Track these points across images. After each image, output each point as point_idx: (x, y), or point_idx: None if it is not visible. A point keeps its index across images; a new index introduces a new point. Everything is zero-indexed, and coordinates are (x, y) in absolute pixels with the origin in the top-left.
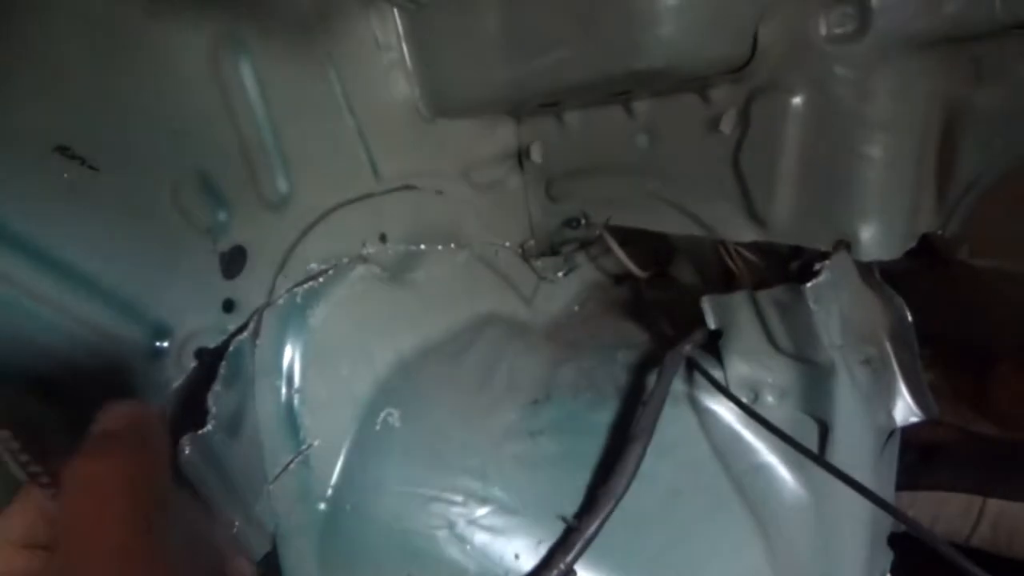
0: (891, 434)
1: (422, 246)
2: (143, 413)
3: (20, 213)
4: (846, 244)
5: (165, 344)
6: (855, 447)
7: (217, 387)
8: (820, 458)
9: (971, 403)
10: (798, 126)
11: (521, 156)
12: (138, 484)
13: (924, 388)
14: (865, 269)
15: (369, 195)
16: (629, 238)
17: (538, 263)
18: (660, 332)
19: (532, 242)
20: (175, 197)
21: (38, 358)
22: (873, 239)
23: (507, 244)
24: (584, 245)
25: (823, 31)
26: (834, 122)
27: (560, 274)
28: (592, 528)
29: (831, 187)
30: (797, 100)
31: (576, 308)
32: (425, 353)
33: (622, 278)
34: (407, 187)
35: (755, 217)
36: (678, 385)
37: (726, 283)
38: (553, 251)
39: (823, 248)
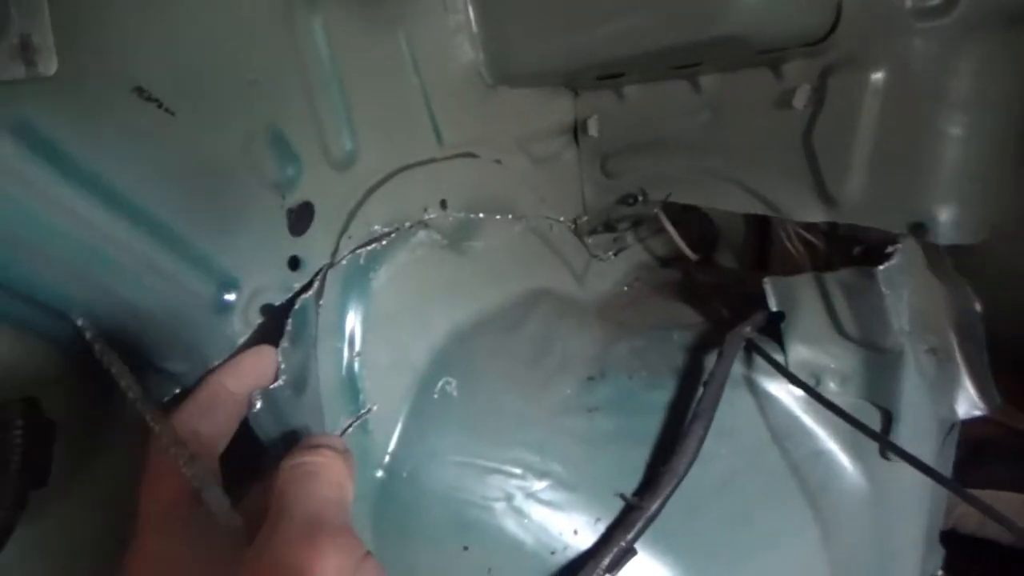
0: (951, 428)
1: (481, 215)
2: (338, 440)
3: (96, 151)
4: (922, 227)
5: (232, 298)
6: (920, 438)
7: (285, 343)
8: (894, 445)
9: (1014, 401)
10: (877, 102)
11: (577, 130)
12: (339, 477)
13: (990, 381)
14: (934, 254)
15: (432, 160)
16: (676, 221)
17: (589, 240)
18: (714, 314)
19: (585, 218)
20: (247, 147)
21: (112, 306)
22: (951, 222)
23: (561, 219)
24: (635, 224)
25: (909, 3)
26: (914, 99)
27: (611, 253)
28: (654, 507)
29: (908, 167)
30: (877, 76)
31: (625, 288)
32: (480, 324)
33: (669, 261)
34: (468, 154)
35: (825, 197)
36: (737, 368)
37: (761, 268)
38: (607, 228)
39: (897, 231)
